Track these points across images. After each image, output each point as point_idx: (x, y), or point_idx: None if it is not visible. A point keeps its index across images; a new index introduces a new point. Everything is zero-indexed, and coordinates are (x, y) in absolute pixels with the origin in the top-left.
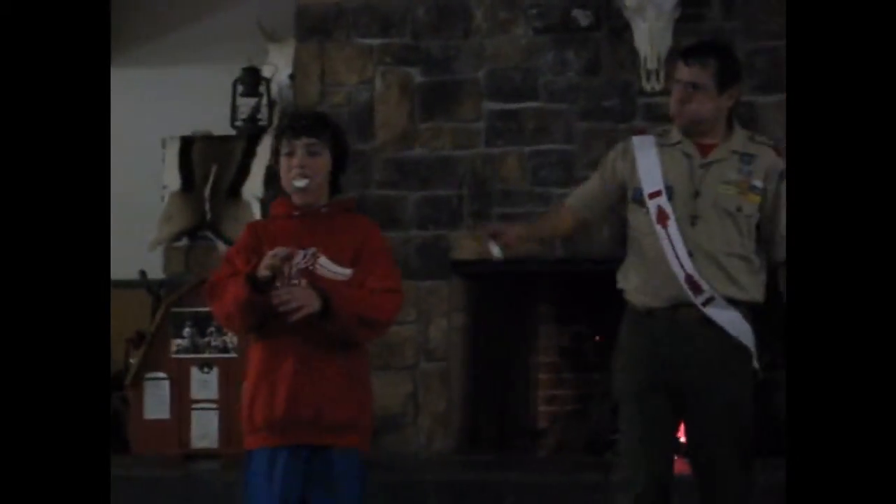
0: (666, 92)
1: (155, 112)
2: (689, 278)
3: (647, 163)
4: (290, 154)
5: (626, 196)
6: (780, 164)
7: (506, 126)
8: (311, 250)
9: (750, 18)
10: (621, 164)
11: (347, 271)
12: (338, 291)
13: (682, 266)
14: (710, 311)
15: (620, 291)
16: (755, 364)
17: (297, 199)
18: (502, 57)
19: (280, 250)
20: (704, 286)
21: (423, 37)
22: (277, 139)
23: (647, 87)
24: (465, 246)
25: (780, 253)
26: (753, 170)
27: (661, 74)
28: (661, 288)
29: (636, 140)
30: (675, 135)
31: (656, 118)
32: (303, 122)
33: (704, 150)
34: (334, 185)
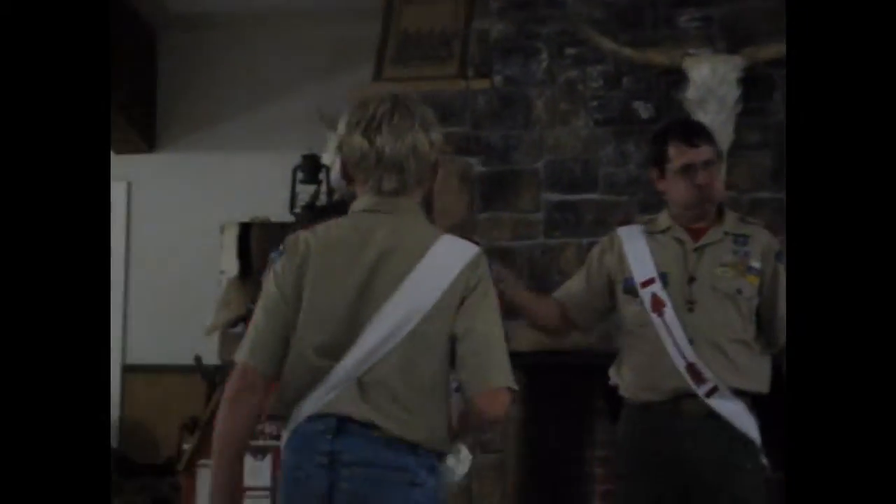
0: (728, 186)
1: (214, 197)
2: (690, 367)
3: (637, 252)
4: None
5: (613, 292)
6: (776, 244)
7: (564, 217)
8: None
9: None
10: (609, 258)
11: None
12: None
13: (682, 355)
14: (714, 403)
15: (615, 388)
16: (763, 460)
17: None
18: (562, 148)
19: None
20: (708, 375)
21: (483, 127)
22: None
23: None
24: (522, 337)
25: (782, 336)
26: (750, 250)
27: (723, 168)
28: (661, 380)
29: (622, 231)
30: (663, 221)
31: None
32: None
33: (696, 234)
34: None
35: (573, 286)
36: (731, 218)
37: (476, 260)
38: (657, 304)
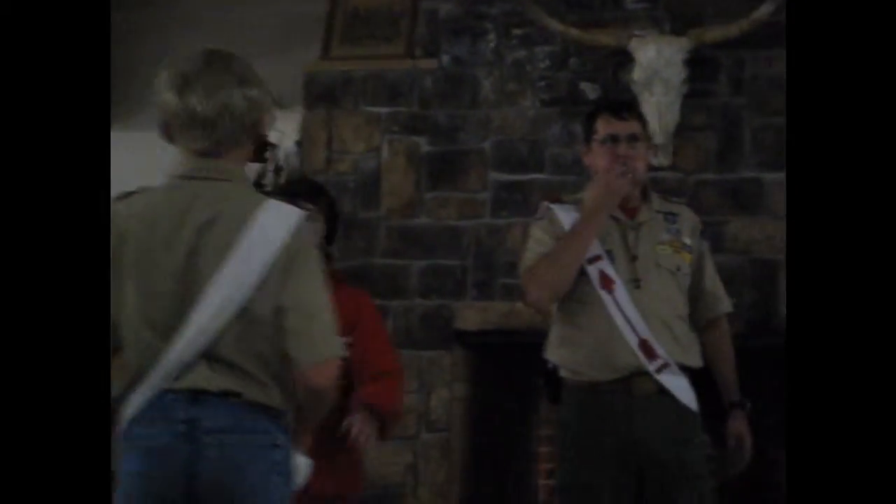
0: (673, 167)
1: (162, 175)
2: (643, 344)
3: None
4: None
5: None
6: (698, 220)
7: (511, 197)
8: None
9: (757, 95)
10: (553, 233)
11: (343, 340)
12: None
13: (634, 331)
14: (664, 379)
15: (554, 369)
16: (703, 434)
17: None
18: (509, 128)
19: None
20: (659, 351)
21: (430, 106)
22: None
23: (655, 161)
24: (468, 316)
25: (710, 311)
26: (680, 228)
27: (669, 150)
28: (613, 358)
29: (556, 207)
30: None
31: (664, 193)
32: (302, 188)
33: (628, 213)
34: (326, 255)
35: (534, 261)
36: (656, 197)
37: (299, 227)
38: (606, 282)
